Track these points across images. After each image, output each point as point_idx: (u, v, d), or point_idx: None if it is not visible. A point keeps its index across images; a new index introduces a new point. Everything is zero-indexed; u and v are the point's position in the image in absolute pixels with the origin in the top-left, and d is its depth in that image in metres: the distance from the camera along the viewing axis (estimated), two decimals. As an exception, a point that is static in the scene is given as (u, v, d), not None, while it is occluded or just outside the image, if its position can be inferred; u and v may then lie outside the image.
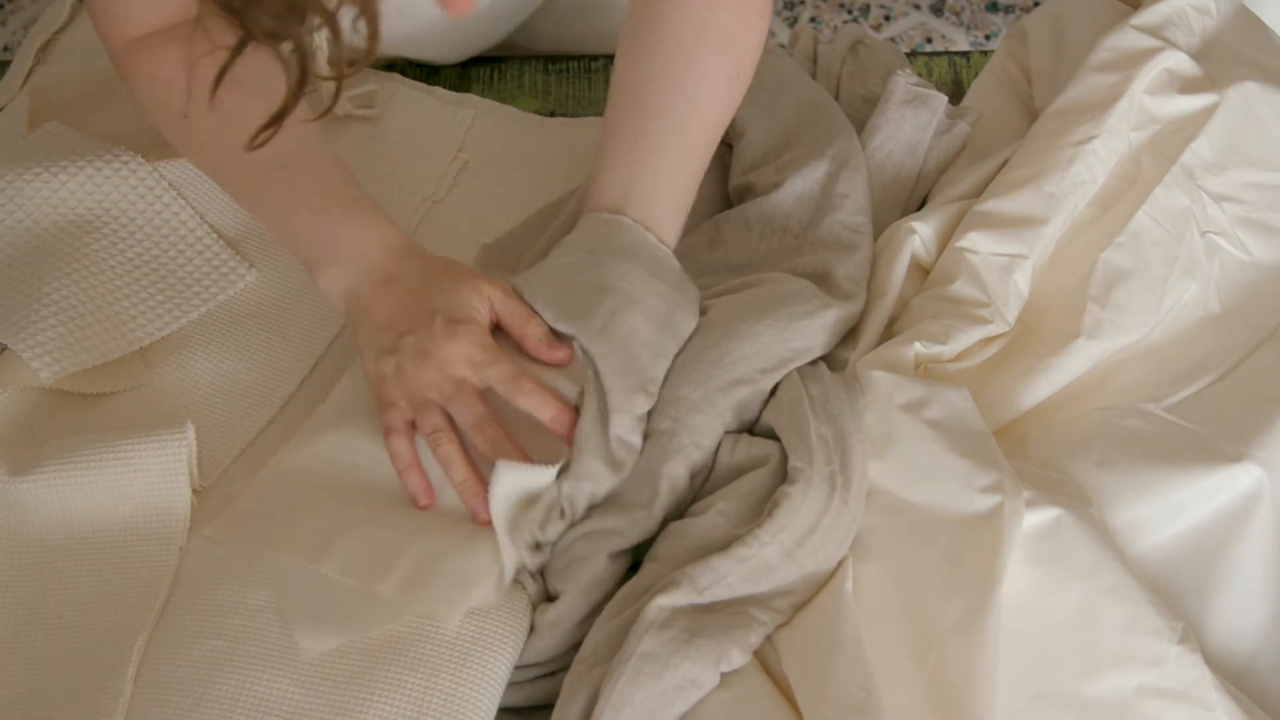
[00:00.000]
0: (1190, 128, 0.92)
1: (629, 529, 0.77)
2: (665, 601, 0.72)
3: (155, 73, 0.88)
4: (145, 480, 0.81)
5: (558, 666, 0.77)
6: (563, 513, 0.77)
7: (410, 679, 0.73)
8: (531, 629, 0.77)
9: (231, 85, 0.67)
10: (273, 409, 0.89)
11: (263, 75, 0.67)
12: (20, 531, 0.81)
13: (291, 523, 0.79)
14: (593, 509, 0.78)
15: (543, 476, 0.77)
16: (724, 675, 0.72)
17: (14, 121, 1.02)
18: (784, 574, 0.75)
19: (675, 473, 0.78)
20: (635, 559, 0.80)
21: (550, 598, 0.78)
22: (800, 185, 0.92)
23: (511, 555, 0.76)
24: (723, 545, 0.75)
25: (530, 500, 0.77)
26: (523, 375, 0.80)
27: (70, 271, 0.89)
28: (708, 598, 0.73)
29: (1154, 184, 0.89)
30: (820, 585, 0.76)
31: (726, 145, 1.00)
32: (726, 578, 0.74)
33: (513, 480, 0.76)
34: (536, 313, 0.83)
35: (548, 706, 0.76)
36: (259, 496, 0.82)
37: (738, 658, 0.72)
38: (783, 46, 1.06)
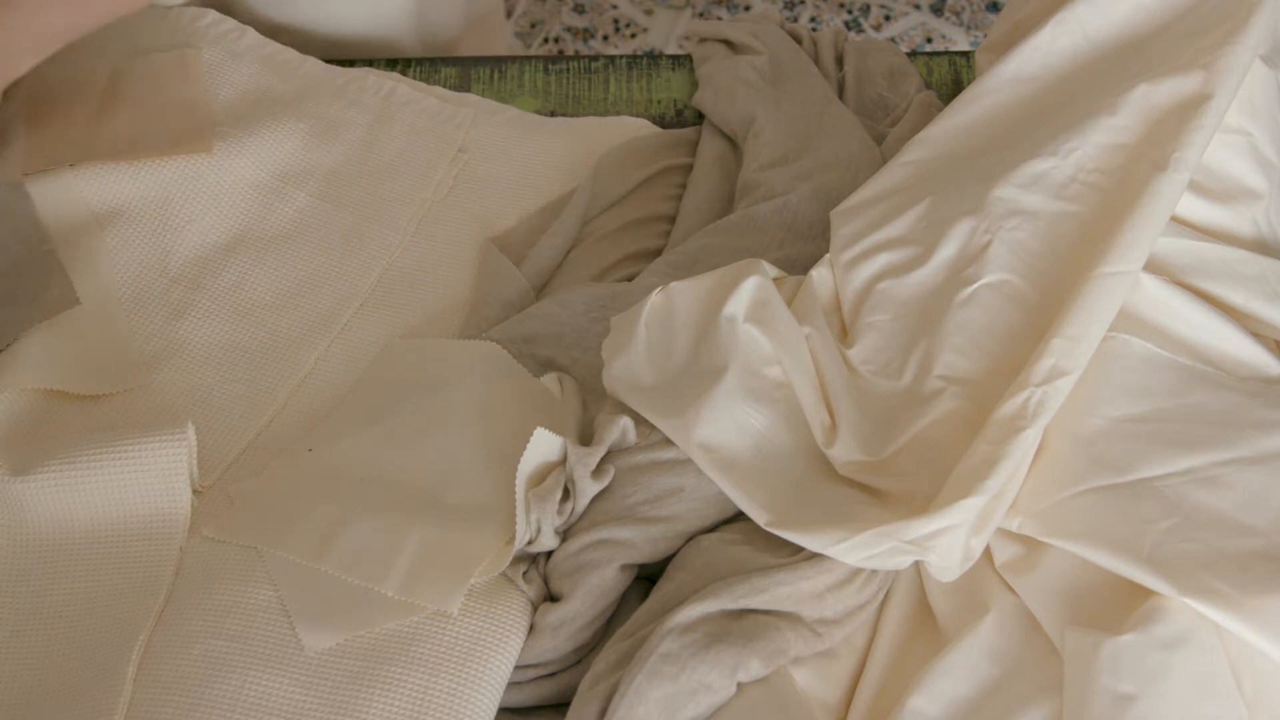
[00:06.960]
0: None
1: (644, 544, 0.77)
2: (700, 608, 0.73)
3: None
4: (145, 480, 0.81)
5: (558, 668, 0.77)
6: (567, 493, 0.77)
7: (410, 679, 0.73)
8: (531, 629, 0.76)
9: None
10: (272, 409, 0.89)
11: None
12: (20, 531, 0.81)
13: (291, 522, 0.79)
14: (601, 509, 0.78)
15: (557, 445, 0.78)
16: (748, 684, 0.72)
17: (14, 122, 1.02)
18: (816, 609, 0.75)
19: (703, 493, 0.78)
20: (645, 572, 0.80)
21: (550, 598, 0.78)
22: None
23: (525, 527, 0.76)
24: (763, 568, 0.75)
25: (545, 472, 0.78)
26: None
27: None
28: (741, 605, 0.73)
29: None
30: (866, 625, 0.77)
31: (730, 141, 1.01)
32: (765, 592, 0.74)
33: (544, 450, 0.77)
34: None
35: (548, 707, 0.76)
36: (259, 497, 0.82)
37: (757, 668, 0.72)
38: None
